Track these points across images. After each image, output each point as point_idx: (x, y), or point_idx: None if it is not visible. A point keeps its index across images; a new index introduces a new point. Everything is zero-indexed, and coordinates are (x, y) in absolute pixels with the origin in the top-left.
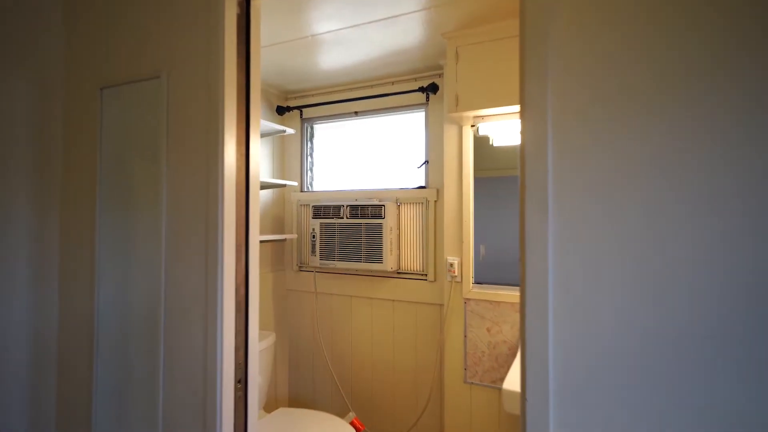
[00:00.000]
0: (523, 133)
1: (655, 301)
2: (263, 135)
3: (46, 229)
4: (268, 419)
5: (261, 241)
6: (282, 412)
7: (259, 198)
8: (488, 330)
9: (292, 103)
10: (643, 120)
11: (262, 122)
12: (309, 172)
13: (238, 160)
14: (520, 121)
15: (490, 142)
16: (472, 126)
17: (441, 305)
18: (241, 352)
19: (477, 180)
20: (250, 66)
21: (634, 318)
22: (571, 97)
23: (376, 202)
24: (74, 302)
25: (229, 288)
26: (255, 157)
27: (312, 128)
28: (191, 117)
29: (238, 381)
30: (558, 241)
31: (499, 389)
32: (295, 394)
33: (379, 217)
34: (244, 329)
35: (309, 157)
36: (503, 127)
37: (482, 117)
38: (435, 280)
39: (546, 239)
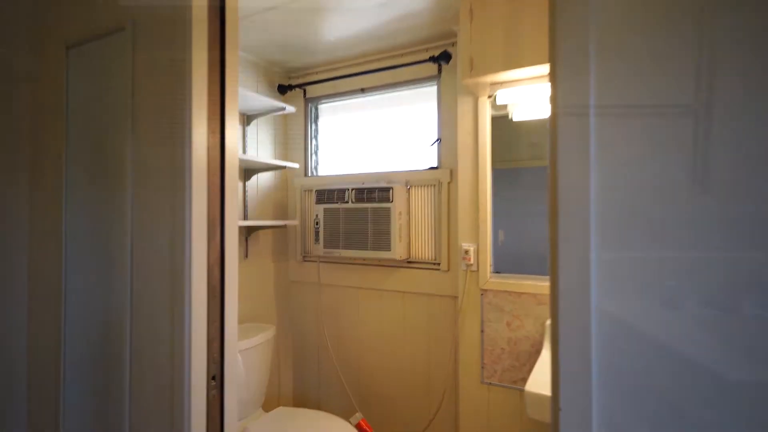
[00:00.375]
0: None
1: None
2: (261, 114)
3: (14, 204)
4: (264, 419)
5: (260, 227)
6: (280, 411)
7: (237, 170)
8: (508, 324)
9: (294, 82)
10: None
11: (258, 98)
12: (314, 156)
13: (210, 120)
14: (548, 75)
15: (509, 116)
16: (489, 96)
17: (455, 297)
18: (216, 345)
19: (494, 171)
20: (225, 15)
21: (726, 302)
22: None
23: (384, 185)
24: (42, 286)
25: (198, 269)
26: (232, 123)
27: (317, 109)
28: (159, 76)
29: (212, 378)
30: (604, 200)
31: (521, 391)
32: (300, 393)
33: (387, 201)
34: (220, 318)
35: (313, 140)
36: (524, 95)
37: (500, 83)
38: (449, 270)
39: (587, 196)
